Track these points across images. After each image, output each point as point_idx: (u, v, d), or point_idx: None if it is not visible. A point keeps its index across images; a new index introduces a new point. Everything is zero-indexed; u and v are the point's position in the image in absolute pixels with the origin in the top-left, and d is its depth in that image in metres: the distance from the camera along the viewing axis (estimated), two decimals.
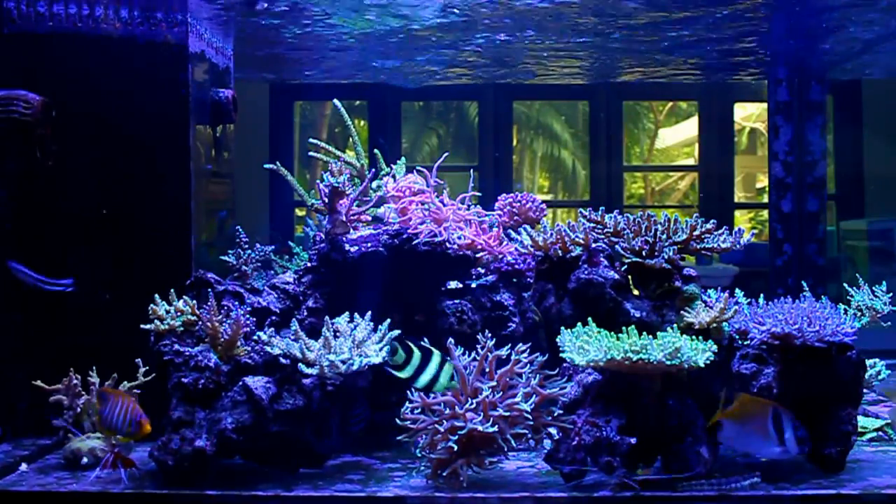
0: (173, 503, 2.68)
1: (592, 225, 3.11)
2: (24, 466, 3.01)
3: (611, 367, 2.65)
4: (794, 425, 2.62)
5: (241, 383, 2.82)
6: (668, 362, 2.57)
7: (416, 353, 2.71)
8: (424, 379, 2.69)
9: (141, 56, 3.40)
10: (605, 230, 3.09)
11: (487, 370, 2.73)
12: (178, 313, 2.91)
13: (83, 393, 3.04)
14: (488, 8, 3.94)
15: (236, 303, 3.09)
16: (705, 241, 3.06)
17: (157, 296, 2.92)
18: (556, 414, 2.74)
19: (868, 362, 3.19)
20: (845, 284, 3.43)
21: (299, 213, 6.76)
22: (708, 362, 2.62)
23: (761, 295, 3.05)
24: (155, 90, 3.41)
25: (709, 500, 2.58)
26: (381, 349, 2.87)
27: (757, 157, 12.33)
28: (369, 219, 3.38)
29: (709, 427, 2.69)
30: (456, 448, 2.64)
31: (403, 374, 2.70)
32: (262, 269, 3.52)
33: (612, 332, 2.70)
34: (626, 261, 3.05)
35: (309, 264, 3.26)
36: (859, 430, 3.00)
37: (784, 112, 5.27)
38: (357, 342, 2.86)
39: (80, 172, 3.40)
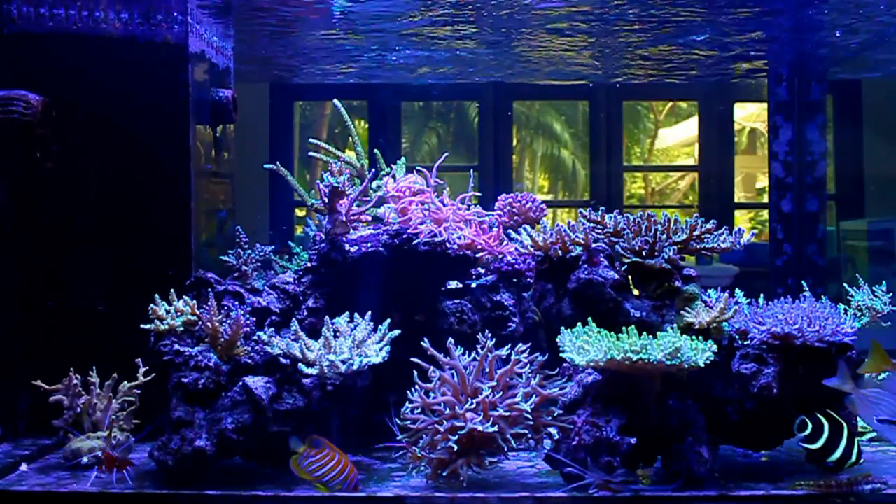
0: (173, 503, 2.68)
1: (592, 225, 3.11)
2: (24, 466, 3.01)
3: (611, 367, 2.65)
4: None
5: (241, 383, 2.82)
6: (668, 362, 2.57)
7: (826, 426, 2.67)
8: (836, 455, 2.66)
9: (141, 56, 3.40)
10: (605, 230, 3.09)
11: (487, 370, 2.73)
12: (178, 313, 2.91)
13: (83, 393, 3.04)
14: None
15: (236, 303, 3.09)
16: (705, 241, 3.06)
17: (157, 296, 2.92)
18: (556, 414, 2.74)
19: None
20: (845, 284, 3.42)
21: (299, 213, 6.75)
22: (708, 362, 2.62)
23: (761, 295, 3.05)
24: (155, 90, 3.41)
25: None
26: (381, 349, 2.86)
27: (757, 157, 12.33)
28: (369, 219, 3.38)
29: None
30: (456, 448, 2.65)
31: (816, 446, 2.67)
32: (262, 269, 3.52)
33: (612, 332, 2.70)
34: (626, 261, 3.05)
35: (309, 264, 3.25)
36: (859, 430, 3.00)
37: (784, 112, 5.27)
38: (357, 342, 2.86)
39: (80, 173, 3.40)
